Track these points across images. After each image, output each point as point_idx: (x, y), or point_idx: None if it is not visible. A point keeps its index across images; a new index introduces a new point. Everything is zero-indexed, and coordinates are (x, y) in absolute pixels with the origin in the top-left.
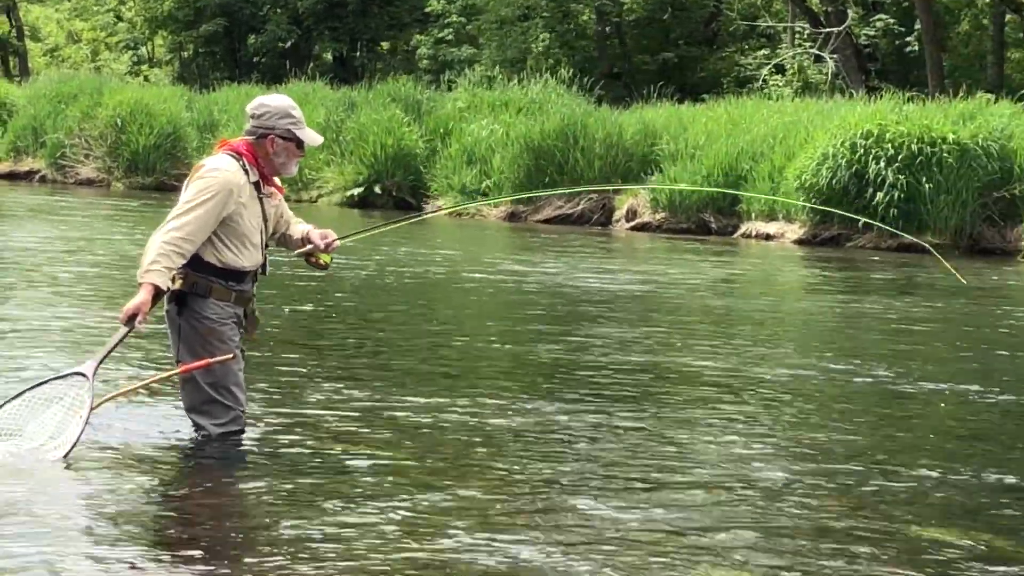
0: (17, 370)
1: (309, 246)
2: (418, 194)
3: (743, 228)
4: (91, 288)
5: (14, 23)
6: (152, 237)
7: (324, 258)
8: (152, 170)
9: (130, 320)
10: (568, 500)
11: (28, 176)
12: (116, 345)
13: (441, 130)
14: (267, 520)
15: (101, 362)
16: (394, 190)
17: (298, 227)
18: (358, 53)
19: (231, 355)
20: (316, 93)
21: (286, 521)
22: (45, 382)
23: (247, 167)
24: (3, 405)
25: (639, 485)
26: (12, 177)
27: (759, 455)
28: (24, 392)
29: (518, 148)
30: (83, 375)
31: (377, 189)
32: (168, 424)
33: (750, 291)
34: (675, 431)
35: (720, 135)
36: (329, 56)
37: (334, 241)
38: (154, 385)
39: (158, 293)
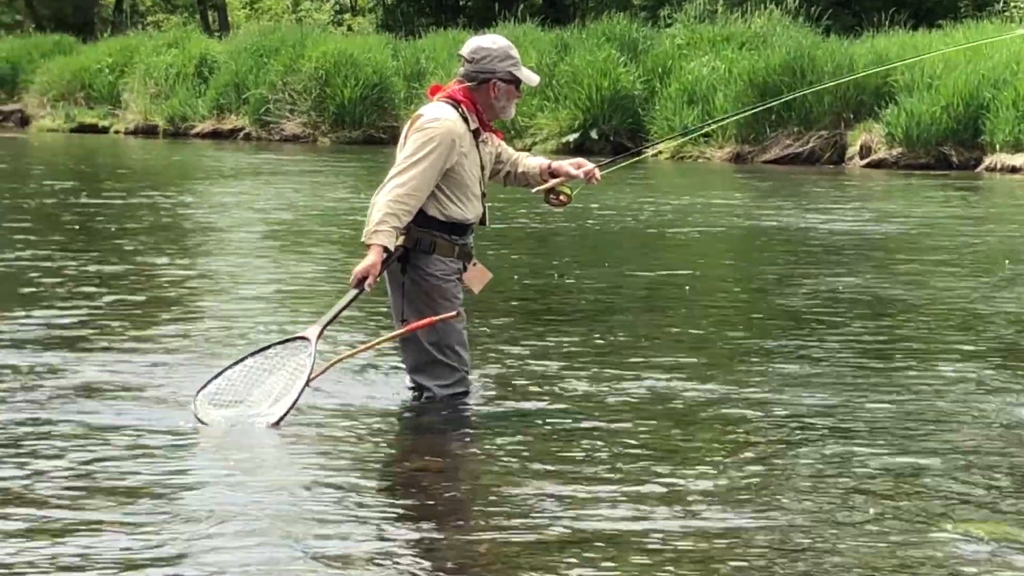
0: (249, 328)
1: (555, 180)
2: (637, 138)
3: (987, 161)
4: (316, 246)
5: None
6: (376, 196)
7: (566, 191)
8: (359, 123)
9: (360, 282)
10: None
11: (232, 134)
12: (344, 308)
13: (659, 69)
14: (497, 485)
15: (327, 326)
16: (611, 134)
17: (532, 160)
18: None
19: (455, 312)
20: (527, 36)
21: (517, 487)
22: (269, 346)
23: (466, 115)
24: (226, 370)
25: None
26: (216, 136)
27: None
28: (246, 357)
29: (742, 85)
30: (306, 339)
31: (593, 134)
32: (390, 387)
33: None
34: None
35: (959, 63)
36: None
37: (593, 170)
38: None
39: (387, 253)
